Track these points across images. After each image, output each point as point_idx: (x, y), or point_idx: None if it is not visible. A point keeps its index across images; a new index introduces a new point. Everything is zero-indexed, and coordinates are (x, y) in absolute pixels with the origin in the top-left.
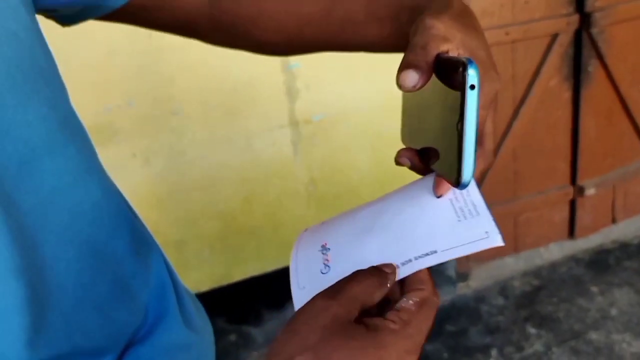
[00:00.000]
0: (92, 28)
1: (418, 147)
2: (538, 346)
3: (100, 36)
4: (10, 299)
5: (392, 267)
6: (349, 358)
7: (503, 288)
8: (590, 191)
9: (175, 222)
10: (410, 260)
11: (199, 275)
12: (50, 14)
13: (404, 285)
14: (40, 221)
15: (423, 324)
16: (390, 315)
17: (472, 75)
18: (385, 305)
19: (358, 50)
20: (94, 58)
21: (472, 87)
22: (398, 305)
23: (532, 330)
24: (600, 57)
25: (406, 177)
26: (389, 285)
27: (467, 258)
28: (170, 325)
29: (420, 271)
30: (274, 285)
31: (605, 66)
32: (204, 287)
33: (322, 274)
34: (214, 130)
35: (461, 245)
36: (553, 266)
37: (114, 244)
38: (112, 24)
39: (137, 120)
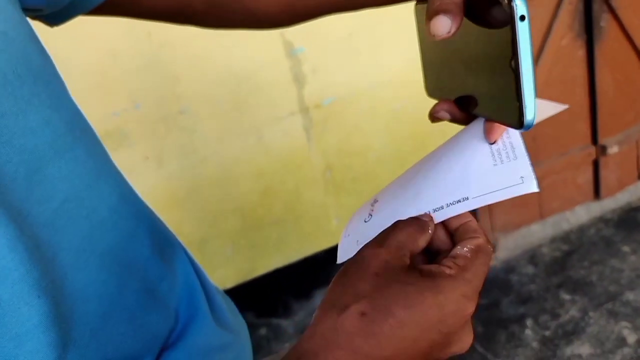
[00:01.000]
0: (91, 31)
1: (452, 98)
2: (574, 312)
3: (100, 39)
4: (35, 317)
5: (428, 215)
6: (406, 304)
7: (532, 256)
8: (612, 149)
9: (195, 222)
10: (442, 207)
11: (223, 272)
12: (36, 14)
13: (456, 236)
14: (57, 233)
15: (479, 270)
16: (446, 261)
17: (520, 6)
18: (436, 258)
19: (364, 7)
20: (95, 62)
21: (522, 17)
22: (453, 252)
23: (566, 297)
24: (612, 11)
25: (426, 149)
26: (430, 231)
27: (493, 228)
28: (202, 326)
29: (470, 221)
30: (299, 276)
31: (617, 19)
32: (230, 283)
33: (364, 223)
34: (224, 125)
35: (494, 191)
36: (581, 229)
37: (137, 249)
38: (110, 26)
39: (145, 122)
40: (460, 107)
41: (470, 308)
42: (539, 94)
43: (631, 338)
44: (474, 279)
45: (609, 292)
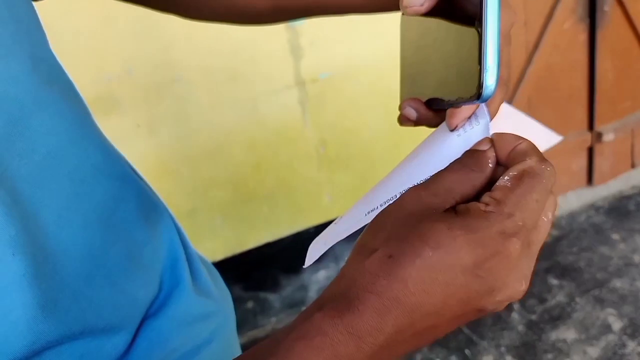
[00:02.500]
0: None
1: (423, 99)
2: (561, 297)
3: (95, 2)
4: (9, 275)
5: (487, 142)
6: (436, 244)
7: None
8: (608, 137)
9: (185, 192)
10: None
11: (212, 244)
12: None
13: (507, 161)
14: (39, 188)
15: (523, 200)
16: (484, 197)
17: None
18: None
19: (350, 13)
20: (89, 26)
21: None
22: (496, 184)
23: (554, 282)
24: None
25: (420, 133)
26: (490, 164)
27: None
28: (184, 295)
29: (520, 144)
30: (289, 251)
31: (622, 5)
32: (219, 255)
33: (334, 225)
34: (218, 94)
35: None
36: (572, 215)
37: (122, 210)
38: None
39: (138, 89)
40: (428, 107)
41: (512, 247)
42: (531, 102)
43: (616, 325)
44: (516, 212)
45: (597, 278)
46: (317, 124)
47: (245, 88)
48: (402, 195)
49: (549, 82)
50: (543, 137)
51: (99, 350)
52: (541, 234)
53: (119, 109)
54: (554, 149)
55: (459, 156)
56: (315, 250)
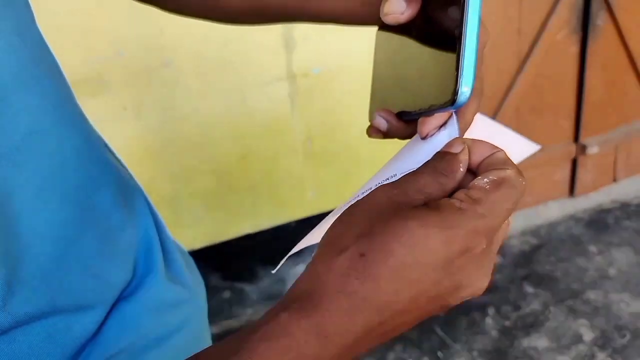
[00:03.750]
0: None
1: (394, 112)
2: (535, 305)
3: None
4: None
5: (460, 143)
6: (408, 241)
7: (501, 247)
8: (592, 149)
9: (168, 178)
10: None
11: (193, 232)
12: None
13: (479, 169)
14: (16, 167)
15: (498, 206)
16: (458, 194)
17: None
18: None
19: (329, 22)
20: (83, 6)
21: None
22: (471, 183)
23: (529, 289)
24: (610, 10)
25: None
26: (461, 168)
27: None
28: (157, 281)
29: (498, 152)
30: (269, 243)
31: (614, 19)
32: (198, 244)
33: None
34: (208, 83)
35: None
36: (552, 225)
37: (100, 194)
38: None
39: (127, 71)
40: (398, 118)
41: (480, 246)
42: (519, 110)
43: (587, 336)
44: (490, 215)
45: (572, 289)
46: (305, 119)
47: (235, 78)
48: (371, 193)
49: (538, 92)
50: (520, 147)
51: (67, 330)
52: (502, 235)
53: (107, 91)
54: (538, 158)
55: (414, 149)
56: (288, 256)
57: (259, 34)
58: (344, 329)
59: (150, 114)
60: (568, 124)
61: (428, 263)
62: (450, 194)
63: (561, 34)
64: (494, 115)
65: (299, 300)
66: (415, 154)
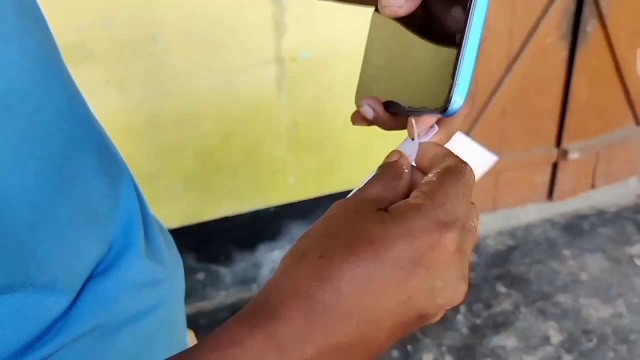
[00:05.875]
0: None
1: (382, 100)
2: (506, 305)
3: None
4: None
5: (397, 153)
6: (368, 239)
7: (477, 246)
8: (573, 155)
9: (148, 155)
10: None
11: (170, 211)
12: None
13: (427, 168)
14: None
15: (451, 191)
16: (412, 193)
17: None
18: None
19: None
20: None
21: None
22: (421, 183)
23: (502, 289)
24: (600, 17)
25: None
26: (405, 169)
27: None
28: (135, 258)
29: (440, 147)
30: (247, 226)
31: (604, 27)
32: (175, 223)
33: None
34: (195, 60)
35: None
36: (529, 227)
37: (81, 161)
38: None
39: (112, 42)
40: (385, 109)
41: (449, 237)
42: (505, 112)
43: (555, 338)
44: (447, 202)
45: (543, 291)
46: (291, 104)
47: (223, 57)
48: (330, 208)
49: (524, 94)
50: (482, 158)
51: (38, 304)
52: (471, 237)
53: (90, 61)
54: (519, 160)
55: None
56: None
57: (250, 14)
58: (301, 337)
59: (134, 88)
60: (551, 128)
61: (391, 260)
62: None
63: (551, 38)
64: (479, 115)
65: (254, 309)
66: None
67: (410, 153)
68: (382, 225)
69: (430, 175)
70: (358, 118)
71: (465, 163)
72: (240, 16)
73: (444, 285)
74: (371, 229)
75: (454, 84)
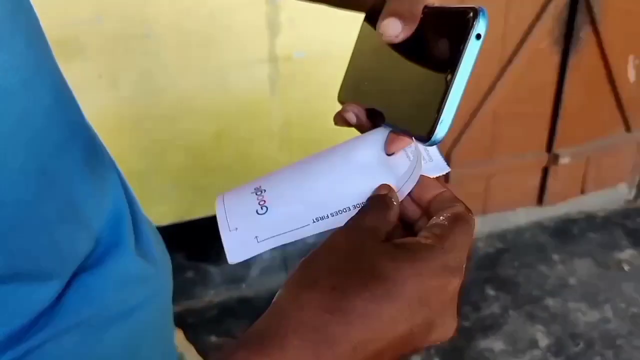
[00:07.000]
0: None
1: (364, 105)
2: (495, 308)
3: None
4: None
5: (386, 187)
6: (382, 275)
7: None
8: (564, 160)
9: (139, 152)
10: (348, 209)
11: (160, 208)
12: None
13: (431, 208)
14: None
15: (459, 239)
16: (422, 232)
17: (481, 24)
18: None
19: (318, 1)
20: None
21: (478, 36)
22: (429, 223)
23: (490, 292)
24: (593, 24)
25: None
26: (394, 202)
27: None
28: (123, 254)
29: (445, 191)
30: None
31: (597, 33)
32: (165, 221)
33: (257, 214)
34: (188, 58)
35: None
36: (518, 231)
37: (67, 159)
38: None
39: (104, 38)
40: (368, 116)
41: (454, 282)
42: (496, 116)
43: (543, 342)
44: (455, 249)
45: (532, 295)
46: (284, 104)
47: (216, 55)
48: (329, 237)
49: (516, 99)
50: (437, 165)
51: (25, 297)
52: (463, 277)
53: (82, 56)
54: (510, 164)
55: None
56: (243, 244)
57: (244, 13)
58: None
59: (126, 84)
60: (542, 133)
61: (402, 297)
62: (405, 234)
63: (544, 42)
64: (471, 119)
65: (261, 337)
66: (370, 173)
67: (402, 187)
68: (394, 262)
69: (441, 217)
70: (340, 120)
71: (471, 212)
72: (234, 14)
73: (441, 322)
74: (384, 265)
75: (438, 118)
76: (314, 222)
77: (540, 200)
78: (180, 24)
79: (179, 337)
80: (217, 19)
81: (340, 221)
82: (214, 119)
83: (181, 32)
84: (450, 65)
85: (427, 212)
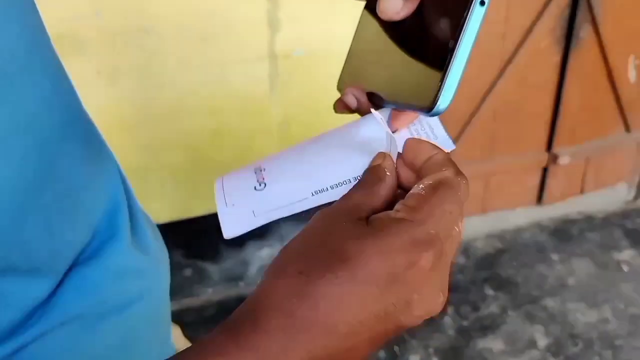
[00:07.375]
0: None
1: (365, 90)
2: (494, 308)
3: None
4: None
5: (382, 156)
6: (344, 256)
7: (466, 248)
8: (564, 160)
9: (138, 148)
10: (349, 181)
11: (159, 205)
12: None
13: (422, 173)
14: None
15: (437, 209)
16: (397, 205)
17: None
18: None
19: None
20: None
21: (482, 2)
22: (408, 194)
23: (489, 292)
24: (594, 23)
25: None
26: (387, 173)
27: None
28: (120, 247)
29: (436, 154)
30: None
31: (597, 33)
32: (163, 218)
33: (255, 190)
34: (187, 54)
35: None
36: (518, 231)
37: (66, 148)
38: None
39: (103, 33)
40: (368, 99)
41: (426, 256)
42: (497, 115)
43: (542, 342)
44: (428, 220)
45: (531, 295)
46: (283, 101)
47: (215, 52)
48: (313, 217)
49: (517, 98)
50: (442, 142)
51: (20, 291)
52: (453, 245)
53: (81, 52)
54: (510, 164)
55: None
56: (239, 219)
57: (244, 9)
58: (283, 351)
59: (125, 80)
60: (542, 133)
61: (367, 278)
62: (394, 201)
63: (545, 42)
64: (471, 117)
65: (238, 320)
66: (369, 148)
67: (392, 148)
68: (358, 240)
69: (420, 186)
70: (340, 106)
71: (462, 176)
72: (234, 11)
73: (420, 298)
74: (348, 245)
75: (442, 86)
76: (312, 195)
77: (539, 199)
78: (179, 20)
79: (177, 333)
80: (217, 15)
81: (340, 194)
82: (213, 115)
83: (181, 28)
84: (453, 34)
85: (420, 177)
